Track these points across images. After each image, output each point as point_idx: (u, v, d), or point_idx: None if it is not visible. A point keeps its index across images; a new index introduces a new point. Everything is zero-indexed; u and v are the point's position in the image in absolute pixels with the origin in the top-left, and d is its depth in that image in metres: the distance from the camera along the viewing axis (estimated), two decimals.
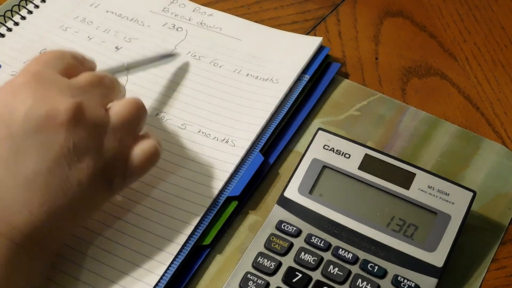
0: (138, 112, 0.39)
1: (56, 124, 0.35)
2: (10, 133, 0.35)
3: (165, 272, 0.40)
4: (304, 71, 0.51)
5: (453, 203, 0.40)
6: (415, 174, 0.41)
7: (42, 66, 0.39)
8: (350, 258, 0.39)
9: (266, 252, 0.40)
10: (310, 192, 0.42)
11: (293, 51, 0.52)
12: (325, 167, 0.42)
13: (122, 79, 0.48)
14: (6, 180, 0.35)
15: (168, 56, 0.50)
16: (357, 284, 0.38)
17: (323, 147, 0.43)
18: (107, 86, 0.40)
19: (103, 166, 0.37)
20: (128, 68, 0.46)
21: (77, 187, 0.36)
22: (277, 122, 0.48)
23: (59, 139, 0.35)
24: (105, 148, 0.37)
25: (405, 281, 0.38)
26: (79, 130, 0.36)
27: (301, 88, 0.50)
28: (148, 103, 0.49)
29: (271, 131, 0.47)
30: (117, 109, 0.39)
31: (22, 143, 0.35)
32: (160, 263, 0.40)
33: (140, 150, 0.39)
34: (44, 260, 0.37)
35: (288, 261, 0.39)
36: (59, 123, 0.35)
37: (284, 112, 0.48)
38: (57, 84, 0.37)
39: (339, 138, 0.43)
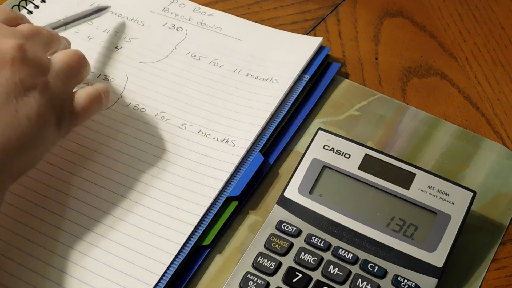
0: (79, 59, 0.43)
1: (2, 62, 0.39)
2: None
3: (165, 272, 0.40)
4: (304, 71, 0.51)
5: (453, 203, 0.40)
6: (415, 174, 0.41)
7: None
8: (350, 258, 0.39)
9: (266, 252, 0.40)
10: (310, 192, 0.42)
11: (293, 51, 0.52)
12: (325, 167, 0.42)
13: (122, 81, 0.48)
14: None
15: (101, 10, 0.55)
16: (357, 284, 0.38)
17: (323, 147, 0.43)
18: (47, 36, 0.44)
19: (49, 101, 0.40)
20: (66, 23, 0.50)
21: (26, 120, 0.38)
22: (277, 122, 0.48)
23: (6, 74, 0.38)
24: (50, 86, 0.40)
25: (405, 281, 0.38)
26: (24, 66, 0.39)
27: (301, 88, 0.50)
28: (148, 103, 0.49)
29: (271, 131, 0.47)
30: (59, 56, 0.43)
31: None
32: (160, 263, 0.40)
33: (84, 92, 0.43)
34: None
35: (288, 261, 0.39)
36: (4, 60, 0.39)
37: (284, 112, 0.48)
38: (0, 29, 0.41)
39: (339, 138, 0.43)
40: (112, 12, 0.56)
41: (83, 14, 0.53)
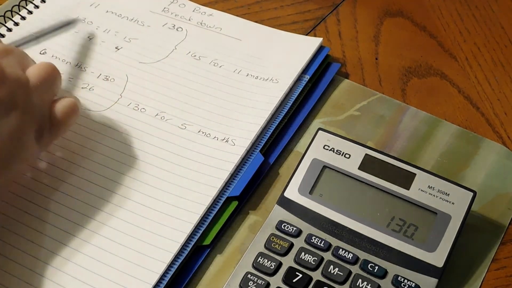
0: (52, 72, 0.43)
1: None
2: None
3: (166, 272, 0.40)
4: (304, 71, 0.51)
5: (453, 203, 0.40)
6: (415, 174, 0.41)
7: None
8: (350, 258, 0.39)
9: (266, 252, 0.40)
10: (310, 192, 0.42)
11: (293, 51, 0.52)
12: (325, 167, 0.42)
13: (122, 81, 0.48)
14: None
15: (70, 23, 0.55)
16: (357, 284, 0.38)
17: (323, 147, 0.43)
18: (20, 54, 0.44)
19: (30, 119, 0.40)
20: (38, 36, 0.51)
21: (8, 139, 0.38)
22: (277, 122, 0.48)
23: None
24: (29, 103, 0.40)
25: (405, 281, 0.38)
26: (3, 87, 0.39)
27: (301, 88, 0.50)
28: (148, 103, 0.49)
29: (271, 131, 0.47)
30: (33, 70, 0.42)
31: None
32: (160, 262, 0.40)
33: (60, 105, 0.43)
34: None
35: (288, 261, 0.39)
36: None
37: (284, 112, 0.48)
38: None
39: (339, 138, 0.43)
40: (112, 12, 0.56)
41: (52, 28, 0.54)
